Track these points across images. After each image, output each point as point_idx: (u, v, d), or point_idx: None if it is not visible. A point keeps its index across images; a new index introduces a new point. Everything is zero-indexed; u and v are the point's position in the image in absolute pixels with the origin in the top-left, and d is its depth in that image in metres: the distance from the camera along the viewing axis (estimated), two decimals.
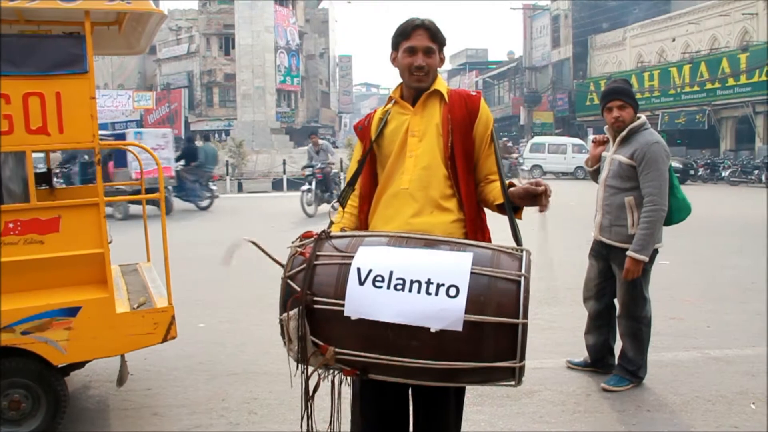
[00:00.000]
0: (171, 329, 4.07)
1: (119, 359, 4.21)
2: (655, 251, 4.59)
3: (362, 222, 2.89)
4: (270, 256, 2.64)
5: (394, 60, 2.85)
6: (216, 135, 46.48)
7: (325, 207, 15.52)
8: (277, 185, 26.34)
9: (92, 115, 3.73)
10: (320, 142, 17.33)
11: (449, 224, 2.72)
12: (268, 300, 6.34)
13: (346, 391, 2.73)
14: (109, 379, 4.73)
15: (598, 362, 5.00)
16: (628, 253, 4.48)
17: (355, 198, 2.93)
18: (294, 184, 25.35)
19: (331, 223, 2.87)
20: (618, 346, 4.88)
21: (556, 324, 6.22)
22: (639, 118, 4.66)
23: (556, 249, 9.61)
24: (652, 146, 4.48)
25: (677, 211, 4.61)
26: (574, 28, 49.19)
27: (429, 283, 2.26)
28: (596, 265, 4.90)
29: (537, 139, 37.82)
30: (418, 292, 2.26)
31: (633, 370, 4.69)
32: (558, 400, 4.54)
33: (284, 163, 26.31)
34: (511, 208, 2.67)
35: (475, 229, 2.77)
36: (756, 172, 27.75)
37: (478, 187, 2.84)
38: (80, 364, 4.21)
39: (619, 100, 4.64)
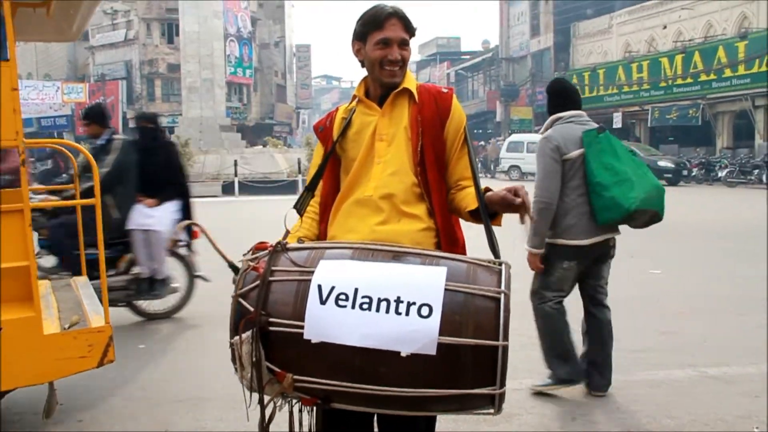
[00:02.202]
0: (108, 352, 3.99)
1: (47, 387, 4.12)
2: (568, 248, 4.85)
3: (322, 233, 2.88)
4: (219, 252, 2.62)
5: (358, 52, 2.83)
6: None
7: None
8: (227, 189, 26.20)
9: (15, 108, 3.64)
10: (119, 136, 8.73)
11: (418, 232, 2.71)
12: (217, 318, 6.28)
13: (305, 419, 2.70)
14: (34, 410, 4.61)
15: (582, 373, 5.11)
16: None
17: (316, 205, 2.92)
18: (246, 188, 25.21)
19: (287, 233, 2.84)
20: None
21: (537, 340, 6.22)
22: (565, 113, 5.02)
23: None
24: (540, 141, 5.01)
25: (603, 211, 4.81)
26: (556, 15, 49.69)
27: (399, 301, 2.25)
28: None
29: (515, 137, 38.16)
30: (387, 311, 2.24)
31: (550, 368, 5.05)
32: (539, 423, 4.56)
33: (236, 164, 26.21)
34: (487, 215, 2.66)
35: (449, 240, 2.76)
36: (756, 171, 28.04)
37: (448, 194, 2.84)
38: (0, 394, 4.12)
39: None
